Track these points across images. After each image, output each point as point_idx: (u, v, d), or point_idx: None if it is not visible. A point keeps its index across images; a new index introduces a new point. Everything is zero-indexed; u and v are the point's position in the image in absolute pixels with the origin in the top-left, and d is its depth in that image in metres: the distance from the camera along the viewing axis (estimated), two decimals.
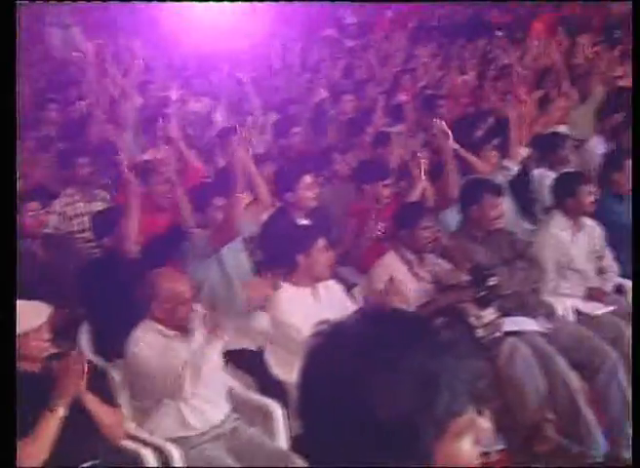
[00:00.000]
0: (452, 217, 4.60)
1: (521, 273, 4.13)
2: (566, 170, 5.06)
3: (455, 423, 1.05)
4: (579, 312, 4.26)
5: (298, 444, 3.05)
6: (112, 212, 4.27)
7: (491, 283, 3.81)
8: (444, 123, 5.01)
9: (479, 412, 1.09)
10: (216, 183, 4.51)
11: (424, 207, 4.34)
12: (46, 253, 4.30)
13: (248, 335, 3.67)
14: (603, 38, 10.53)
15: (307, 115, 6.98)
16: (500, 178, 5.14)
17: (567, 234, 4.40)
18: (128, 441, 3.04)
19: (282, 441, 3.22)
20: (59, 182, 5.29)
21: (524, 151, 5.61)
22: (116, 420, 2.96)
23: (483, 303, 3.78)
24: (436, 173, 4.96)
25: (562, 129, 6.49)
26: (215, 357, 3.10)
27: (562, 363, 3.74)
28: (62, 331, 3.48)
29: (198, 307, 3.27)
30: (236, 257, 4.05)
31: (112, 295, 3.56)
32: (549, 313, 4.13)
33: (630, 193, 4.49)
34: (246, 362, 3.65)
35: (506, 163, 5.37)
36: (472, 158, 5.08)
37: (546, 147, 5.57)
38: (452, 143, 4.84)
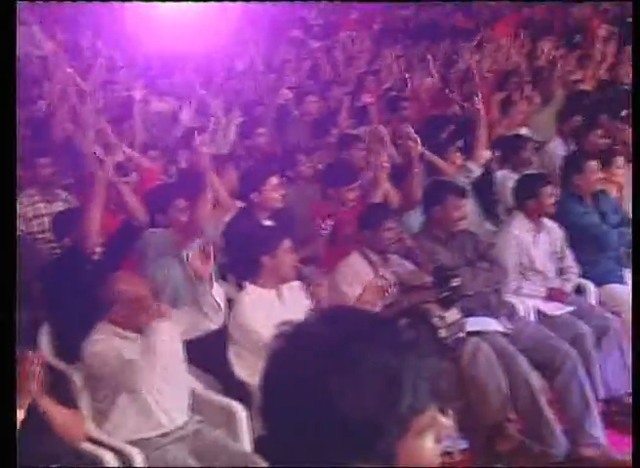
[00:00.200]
0: (415, 219, 4.63)
1: (483, 274, 4.17)
2: (527, 171, 5.12)
3: (417, 421, 1.05)
4: (539, 312, 4.31)
5: (261, 445, 3.04)
6: (73, 212, 4.23)
7: (454, 283, 3.84)
8: (410, 127, 5.05)
9: (441, 410, 1.09)
10: (178, 184, 4.49)
11: (388, 208, 4.36)
12: None
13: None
14: (563, 42, 10.68)
15: (272, 116, 6.96)
16: (464, 180, 5.18)
17: (528, 235, 4.45)
18: (88, 443, 3.00)
19: (245, 442, 3.22)
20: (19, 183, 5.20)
21: (487, 153, 5.67)
22: (75, 423, 2.93)
23: (446, 304, 3.81)
24: (401, 174, 4.99)
25: (524, 131, 6.57)
26: (166, 338, 3.08)
27: (523, 363, 3.78)
28: (23, 333, 3.43)
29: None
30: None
31: (73, 297, 3.52)
32: (511, 313, 4.17)
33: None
34: (209, 363, 3.63)
35: (469, 165, 5.42)
36: (438, 160, 5.12)
37: (509, 149, 5.62)
38: (419, 147, 4.87)
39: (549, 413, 3.67)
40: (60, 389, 2.92)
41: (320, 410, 1.03)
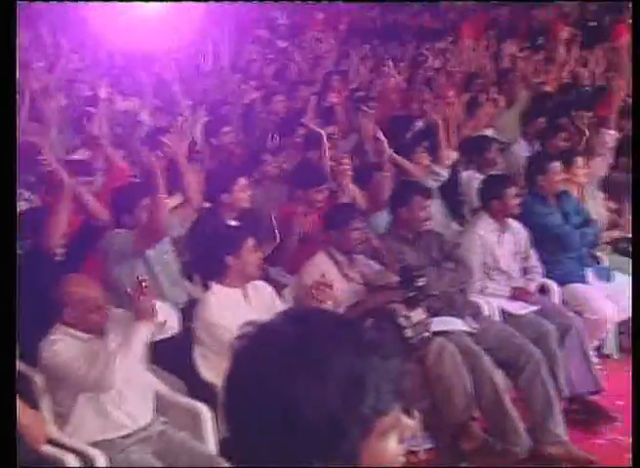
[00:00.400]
0: (382, 219, 4.64)
1: (449, 274, 4.19)
2: (492, 172, 5.16)
3: (380, 422, 1.06)
4: (504, 312, 4.35)
5: (225, 446, 3.02)
6: (36, 212, 4.17)
7: (419, 283, 3.86)
8: (379, 129, 5.07)
9: (405, 411, 1.10)
10: (143, 184, 4.44)
11: (355, 208, 4.37)
12: None
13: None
14: (528, 44, 10.81)
15: (238, 116, 6.94)
16: (430, 181, 5.21)
17: (493, 235, 4.49)
18: (49, 446, 2.97)
19: (210, 444, 3.20)
20: None
21: (453, 155, 5.71)
22: (36, 424, 2.89)
23: (412, 304, 3.83)
24: (367, 175, 5.01)
25: (489, 132, 6.63)
26: (139, 344, 3.07)
27: (488, 362, 3.81)
28: None
29: (113, 309, 3.23)
30: (163, 259, 4.00)
31: (35, 298, 3.46)
32: (476, 313, 4.20)
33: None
34: (174, 364, 3.60)
35: (435, 166, 5.46)
36: (405, 163, 5.15)
37: (474, 150, 5.67)
38: (388, 150, 4.91)
39: (513, 412, 3.71)
40: (20, 391, 2.87)
41: (283, 411, 1.03)
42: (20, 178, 5.11)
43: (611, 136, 5.98)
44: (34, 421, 2.89)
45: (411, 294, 3.83)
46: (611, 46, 10.25)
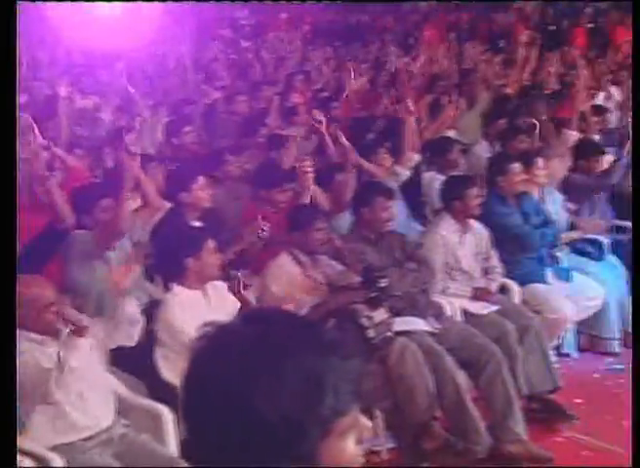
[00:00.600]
0: (344, 220, 4.65)
1: (411, 274, 4.21)
2: (454, 173, 5.20)
3: (339, 423, 1.06)
4: (466, 311, 4.38)
5: (185, 448, 3.00)
6: None
7: (382, 284, 3.87)
8: (341, 133, 5.09)
9: (367, 411, 1.11)
10: (104, 184, 4.40)
11: (317, 209, 4.37)
12: None
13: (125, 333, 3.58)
14: (489, 46, 10.92)
15: (200, 115, 6.90)
16: (392, 182, 5.24)
17: (455, 236, 4.52)
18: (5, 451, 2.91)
19: (171, 446, 3.17)
20: None
21: (415, 156, 5.75)
22: None
23: (374, 304, 3.84)
24: (330, 175, 5.02)
25: (451, 133, 6.68)
26: (81, 357, 3.01)
27: (450, 362, 3.84)
28: None
29: (67, 309, 3.18)
30: (123, 259, 3.96)
31: None
32: (438, 313, 4.23)
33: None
34: (135, 366, 3.57)
35: (398, 169, 5.49)
36: (368, 165, 5.17)
37: (436, 151, 5.71)
38: (352, 154, 4.93)
39: (474, 411, 3.74)
40: None
41: (242, 412, 1.03)
42: None
43: (569, 137, 6.08)
44: None
45: (373, 295, 3.84)
46: (569, 49, 10.40)
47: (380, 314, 3.86)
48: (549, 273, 4.86)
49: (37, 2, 10.31)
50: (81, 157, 5.45)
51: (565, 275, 4.91)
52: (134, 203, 4.36)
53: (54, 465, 2.94)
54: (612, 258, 5.23)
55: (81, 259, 3.80)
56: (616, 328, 4.97)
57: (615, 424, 4.15)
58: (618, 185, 5.68)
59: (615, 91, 8.56)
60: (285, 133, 5.75)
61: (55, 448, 3.01)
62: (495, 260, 4.65)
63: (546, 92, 7.59)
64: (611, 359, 4.91)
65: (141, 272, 4.11)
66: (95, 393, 3.12)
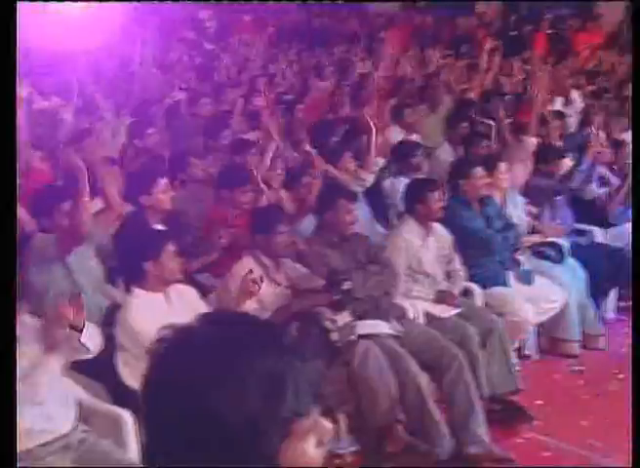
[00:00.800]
0: (308, 222, 4.65)
1: (374, 277, 4.22)
2: (417, 176, 5.23)
3: (299, 424, 1.06)
4: (428, 314, 4.41)
5: (146, 452, 2.97)
6: None
7: (345, 287, 3.88)
8: (308, 139, 5.10)
9: (330, 414, 1.11)
10: (64, 186, 4.34)
11: (281, 212, 4.37)
12: None
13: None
14: (451, 51, 11.01)
15: (163, 117, 6.85)
16: (356, 186, 5.26)
17: (417, 239, 4.54)
18: None
19: (132, 451, 3.14)
20: None
21: (379, 160, 5.77)
22: None
23: (337, 307, 3.85)
24: (294, 178, 5.02)
25: (414, 137, 6.72)
26: (51, 374, 2.96)
27: (413, 364, 3.86)
28: None
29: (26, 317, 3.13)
30: (85, 264, 3.91)
31: None
32: (401, 316, 4.25)
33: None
34: (96, 370, 3.53)
35: (361, 173, 5.51)
36: (334, 170, 5.18)
37: (400, 155, 5.75)
38: (317, 160, 4.94)
39: (437, 414, 3.76)
40: None
41: (202, 415, 1.02)
42: None
43: (531, 142, 6.15)
44: None
45: (336, 298, 3.85)
46: (530, 54, 10.54)
47: (344, 317, 3.87)
48: (511, 276, 4.91)
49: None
50: (42, 159, 5.37)
51: (526, 278, 4.96)
52: (95, 206, 4.31)
53: None
54: (572, 261, 5.30)
55: (40, 263, 3.74)
56: (576, 330, 5.04)
57: (574, 425, 4.21)
58: (577, 189, 5.77)
59: (575, 96, 8.69)
60: (249, 137, 5.73)
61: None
62: (457, 263, 4.68)
63: (508, 96, 7.67)
64: (571, 361, 4.97)
65: (103, 275, 4.07)
66: (55, 398, 3.07)
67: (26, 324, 3.05)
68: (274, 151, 5.53)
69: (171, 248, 3.50)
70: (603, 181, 6.03)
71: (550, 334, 5.07)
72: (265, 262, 4.01)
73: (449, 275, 4.67)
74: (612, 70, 10.10)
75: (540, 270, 5.09)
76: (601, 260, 5.37)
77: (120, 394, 3.39)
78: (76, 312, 2.98)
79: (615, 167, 6.15)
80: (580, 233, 5.76)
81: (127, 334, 3.37)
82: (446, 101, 7.77)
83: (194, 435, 1.03)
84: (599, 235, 5.74)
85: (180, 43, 11.51)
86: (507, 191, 5.34)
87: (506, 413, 4.27)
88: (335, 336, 3.75)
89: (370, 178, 5.51)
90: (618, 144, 6.34)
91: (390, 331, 4.03)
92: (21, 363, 2.91)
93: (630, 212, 5.88)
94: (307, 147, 5.16)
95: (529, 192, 5.59)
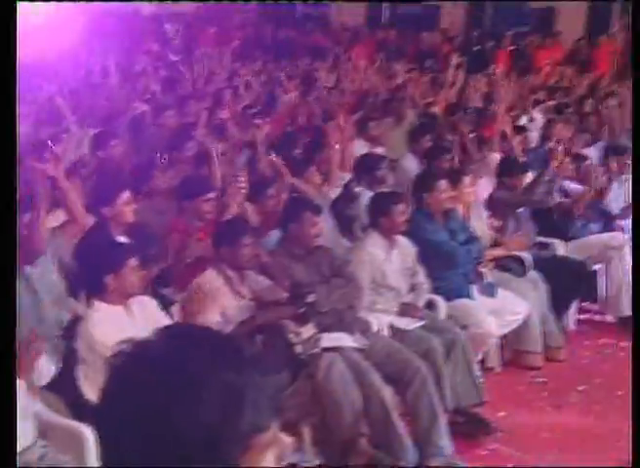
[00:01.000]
0: (273, 235, 4.64)
1: (339, 290, 4.22)
2: (381, 189, 5.26)
3: (258, 438, 1.05)
4: (392, 327, 4.41)
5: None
6: None
7: (309, 300, 3.87)
8: (273, 148, 5.09)
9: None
10: (23, 199, 4.27)
11: (245, 224, 4.35)
12: None
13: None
14: (416, 66, 11.13)
15: (127, 129, 6.80)
16: (321, 198, 5.26)
17: (382, 252, 4.55)
18: None
19: (93, 466, 3.09)
20: None
21: (343, 173, 5.79)
22: None
23: (302, 320, 3.84)
24: (259, 191, 5.01)
25: (379, 150, 6.76)
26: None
27: (377, 377, 3.86)
28: None
29: None
30: (46, 277, 3.86)
31: None
32: (365, 329, 4.24)
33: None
34: (56, 384, 3.47)
35: (326, 188, 5.52)
36: (299, 183, 5.19)
37: (364, 168, 5.76)
38: (284, 172, 4.94)
39: (400, 427, 3.76)
40: None
41: (160, 429, 1.01)
42: None
43: (494, 156, 6.23)
44: None
45: (301, 311, 3.84)
46: (493, 70, 10.69)
47: (308, 330, 3.86)
48: (474, 289, 4.94)
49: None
50: None
51: (489, 290, 5.00)
52: (58, 218, 4.26)
53: None
54: (534, 274, 5.36)
55: None
56: (538, 342, 5.08)
57: (537, 437, 4.24)
58: (539, 202, 5.84)
59: (536, 111, 8.82)
60: (213, 148, 5.70)
61: None
62: (421, 276, 4.70)
63: (471, 111, 7.76)
64: (534, 372, 5.01)
65: (66, 288, 4.02)
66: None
67: None
68: (239, 163, 5.52)
69: (133, 261, 3.47)
70: (564, 195, 6.11)
71: (513, 346, 5.11)
72: (229, 275, 3.99)
73: (413, 288, 4.69)
74: (572, 86, 10.28)
75: (502, 283, 5.13)
76: (562, 273, 5.44)
77: (80, 408, 3.34)
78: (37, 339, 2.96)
79: (575, 181, 6.24)
80: (542, 246, 5.83)
81: (88, 348, 3.33)
82: (410, 115, 7.83)
83: (152, 450, 1.02)
84: (560, 248, 5.81)
85: (145, 55, 11.46)
86: (471, 204, 5.39)
87: (470, 425, 4.29)
88: (299, 349, 3.75)
89: (335, 193, 5.53)
90: (578, 159, 6.44)
91: (354, 345, 4.03)
92: None
93: (591, 225, 5.98)
94: (274, 159, 5.16)
95: (492, 205, 5.64)
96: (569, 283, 5.47)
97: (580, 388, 4.81)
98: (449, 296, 4.77)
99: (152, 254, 4.32)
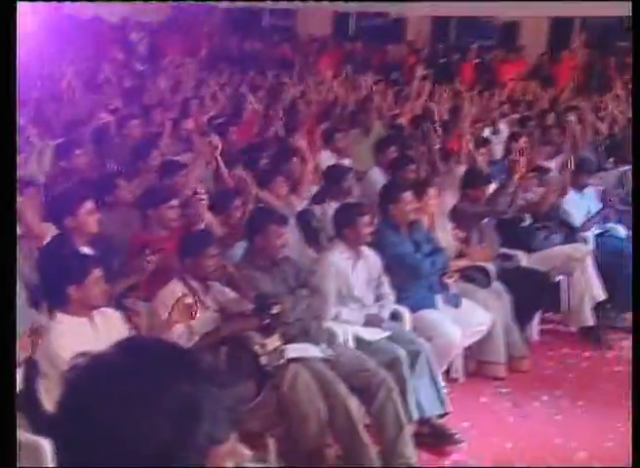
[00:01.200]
0: (238, 246, 4.63)
1: (304, 301, 4.22)
2: (347, 201, 5.27)
3: (216, 450, 1.05)
4: (358, 338, 4.42)
5: None
6: None
7: (274, 311, 3.86)
8: (246, 173, 5.10)
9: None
10: None
11: (210, 235, 4.33)
12: None
13: None
14: (382, 77, 11.20)
15: (91, 138, 6.75)
16: (287, 209, 5.26)
17: (347, 263, 4.56)
18: None
19: None
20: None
21: (310, 185, 5.80)
22: None
23: (267, 331, 3.82)
24: (224, 202, 4.99)
25: (346, 161, 6.78)
26: None
27: (342, 388, 3.85)
28: None
29: None
30: None
31: None
32: (331, 340, 4.24)
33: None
34: (17, 397, 3.41)
35: (294, 198, 5.52)
36: (265, 194, 5.19)
37: (331, 179, 5.78)
38: (250, 183, 4.93)
39: (366, 437, 3.76)
40: None
41: (117, 443, 1.01)
42: None
43: (457, 167, 6.28)
44: None
45: (266, 322, 3.83)
46: (458, 82, 10.81)
47: (273, 341, 3.84)
48: (439, 299, 4.97)
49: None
50: None
51: (454, 301, 5.03)
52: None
53: None
54: (498, 285, 5.41)
55: None
56: (502, 352, 5.12)
57: (500, 447, 4.27)
58: (503, 213, 5.90)
59: (501, 124, 8.93)
60: (178, 159, 5.69)
61: None
62: (386, 287, 4.72)
63: (437, 123, 7.83)
64: (497, 383, 5.05)
65: (27, 299, 3.96)
66: None
67: None
68: (204, 174, 5.50)
69: (97, 272, 3.43)
70: (527, 207, 6.17)
71: (477, 357, 5.15)
72: (194, 286, 3.97)
73: (378, 299, 4.70)
74: (535, 100, 10.43)
75: (467, 294, 5.17)
76: (526, 284, 5.50)
77: (41, 422, 3.28)
78: None
79: (538, 192, 6.31)
80: (506, 257, 5.89)
81: (47, 360, 3.28)
82: (377, 127, 7.88)
83: (108, 463, 1.01)
84: (524, 259, 5.87)
85: (110, 64, 11.38)
86: (436, 216, 5.43)
87: (435, 436, 4.30)
88: (264, 361, 3.73)
89: (301, 203, 5.53)
90: (541, 171, 6.52)
91: (320, 355, 4.03)
92: None
93: (554, 237, 6.06)
94: (240, 170, 5.15)
95: (456, 217, 5.69)
96: (532, 294, 5.53)
97: (544, 398, 4.85)
98: (414, 307, 4.79)
99: (117, 265, 4.28)
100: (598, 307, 5.83)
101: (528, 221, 6.06)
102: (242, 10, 16.61)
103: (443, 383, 4.47)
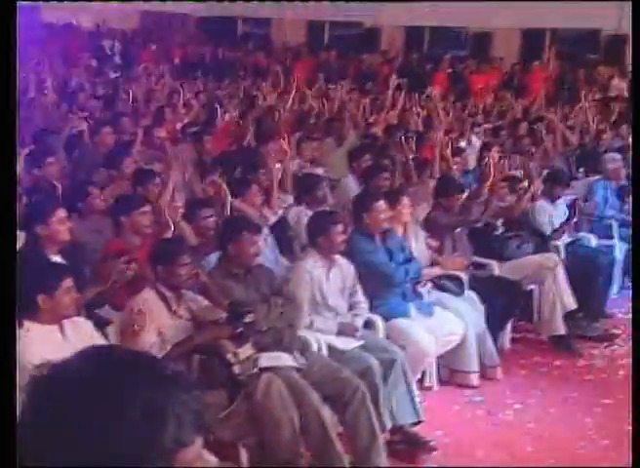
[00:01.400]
0: (212, 254, 4.61)
1: (278, 309, 4.21)
2: (320, 209, 5.28)
3: (182, 454, 1.06)
4: (331, 347, 4.41)
5: None
6: None
7: (247, 319, 3.85)
8: (223, 184, 5.09)
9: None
10: None
11: (183, 243, 4.31)
12: None
13: None
14: (356, 86, 11.25)
15: (64, 146, 6.69)
16: (260, 218, 5.25)
17: (321, 271, 4.56)
18: None
19: None
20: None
21: (285, 196, 5.80)
22: None
23: (240, 340, 3.80)
24: (197, 210, 4.97)
25: (319, 170, 6.80)
26: None
27: (315, 396, 3.85)
28: None
29: None
30: None
31: None
32: (304, 348, 4.24)
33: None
34: None
35: (267, 210, 5.52)
36: (239, 203, 5.18)
37: (304, 188, 5.79)
38: (223, 191, 4.92)
39: (339, 446, 3.75)
40: None
41: (80, 450, 1.01)
42: None
43: (431, 177, 6.32)
44: None
45: (239, 330, 3.81)
46: (432, 92, 10.88)
47: (246, 350, 3.83)
48: (412, 308, 4.98)
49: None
50: None
51: (427, 310, 5.04)
52: None
53: None
54: (471, 294, 5.43)
55: None
56: (474, 361, 5.14)
57: (474, 455, 4.28)
58: (475, 222, 5.94)
59: (473, 134, 9.00)
60: (151, 167, 5.66)
61: None
62: (360, 296, 4.72)
63: (410, 134, 7.88)
64: (470, 391, 5.07)
65: None
66: None
67: None
68: (177, 182, 5.47)
69: (68, 281, 3.39)
70: (499, 216, 6.22)
71: (450, 366, 5.16)
72: (166, 294, 3.94)
73: (352, 307, 4.70)
74: (507, 110, 10.53)
75: (440, 302, 5.18)
76: (498, 293, 5.53)
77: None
78: None
79: (510, 200, 6.36)
80: (479, 266, 5.93)
81: (18, 370, 3.23)
82: (350, 135, 7.90)
83: (74, 464, 1.01)
84: (496, 268, 5.91)
85: (83, 71, 11.32)
86: (409, 224, 5.45)
87: (408, 444, 4.30)
88: (237, 369, 3.71)
89: (275, 217, 5.53)
90: (513, 180, 6.58)
91: (293, 364, 4.02)
92: None
93: (526, 246, 6.10)
94: (214, 179, 5.13)
95: (430, 226, 5.72)
96: (504, 302, 5.57)
97: (517, 406, 4.88)
98: (387, 316, 4.79)
99: (88, 274, 4.25)
100: (569, 316, 5.88)
101: (500, 230, 6.10)
102: (217, 18, 16.62)
103: (416, 392, 4.47)
